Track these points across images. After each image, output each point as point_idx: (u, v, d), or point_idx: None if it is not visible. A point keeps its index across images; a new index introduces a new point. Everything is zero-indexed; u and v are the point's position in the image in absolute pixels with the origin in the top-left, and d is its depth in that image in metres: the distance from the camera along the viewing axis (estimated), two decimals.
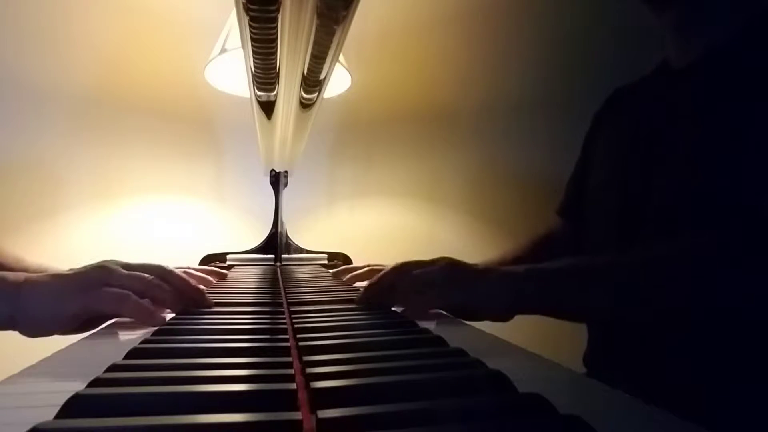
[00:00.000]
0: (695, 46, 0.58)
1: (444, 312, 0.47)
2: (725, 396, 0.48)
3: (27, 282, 0.40)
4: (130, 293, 0.40)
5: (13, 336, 0.40)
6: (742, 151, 0.48)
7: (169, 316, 0.43)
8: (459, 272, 0.47)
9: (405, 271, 0.48)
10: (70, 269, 0.43)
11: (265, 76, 0.52)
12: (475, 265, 0.50)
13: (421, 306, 0.46)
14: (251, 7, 0.39)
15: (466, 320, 0.45)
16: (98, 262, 0.43)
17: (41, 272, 0.44)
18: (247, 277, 0.75)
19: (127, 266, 0.44)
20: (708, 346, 0.50)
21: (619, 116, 0.71)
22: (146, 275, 0.43)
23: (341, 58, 0.93)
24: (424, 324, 0.38)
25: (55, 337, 0.40)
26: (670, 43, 0.63)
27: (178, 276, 0.45)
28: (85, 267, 0.42)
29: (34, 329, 0.40)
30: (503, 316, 0.48)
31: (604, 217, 0.66)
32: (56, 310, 0.39)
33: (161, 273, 0.44)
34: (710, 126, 0.53)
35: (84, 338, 0.38)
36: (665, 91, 0.61)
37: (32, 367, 0.29)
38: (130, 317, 0.40)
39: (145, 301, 0.41)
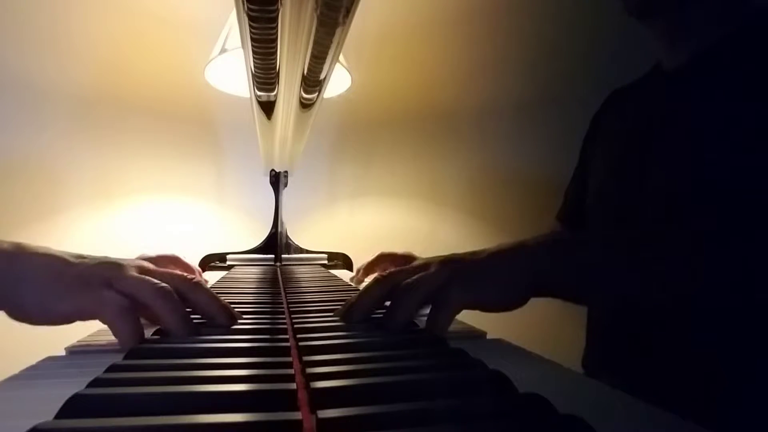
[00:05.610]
0: (683, 50, 0.60)
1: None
2: (723, 398, 0.48)
3: (21, 256, 0.34)
4: (130, 307, 0.33)
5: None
6: (735, 148, 0.49)
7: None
8: (462, 269, 0.41)
9: (394, 281, 0.40)
10: (78, 256, 0.36)
11: (265, 76, 0.52)
12: (471, 254, 0.43)
13: (441, 322, 0.37)
14: (251, 7, 0.39)
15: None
16: (111, 260, 0.37)
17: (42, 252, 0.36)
18: (247, 277, 0.75)
19: (146, 270, 0.37)
20: (706, 349, 0.50)
21: (616, 117, 0.72)
22: (158, 283, 0.35)
23: (341, 58, 0.93)
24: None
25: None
26: (660, 48, 0.64)
27: (205, 292, 0.37)
28: (93, 260, 0.36)
29: (19, 317, 0.34)
30: (517, 305, 0.42)
31: (603, 220, 0.66)
32: (46, 304, 0.33)
33: (185, 286, 0.37)
34: (700, 125, 0.54)
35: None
36: (658, 93, 0.63)
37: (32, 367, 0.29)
38: (120, 332, 0.33)
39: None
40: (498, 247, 0.43)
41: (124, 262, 0.37)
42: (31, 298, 0.33)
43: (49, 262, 0.35)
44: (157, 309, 0.34)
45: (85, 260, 0.36)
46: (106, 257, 0.38)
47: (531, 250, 0.43)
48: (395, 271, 0.41)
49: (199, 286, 0.38)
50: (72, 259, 0.36)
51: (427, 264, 0.41)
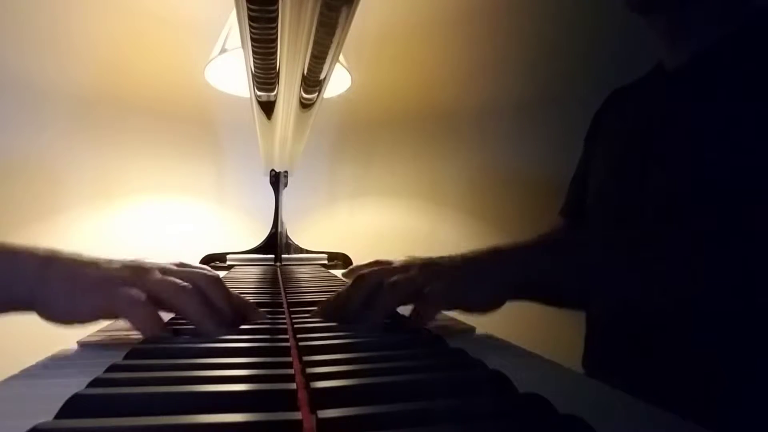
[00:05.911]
0: (683, 50, 0.60)
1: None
2: (723, 398, 0.48)
3: (54, 261, 0.36)
4: (145, 300, 0.35)
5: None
6: (735, 148, 0.49)
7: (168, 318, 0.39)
8: (443, 271, 0.42)
9: (375, 282, 0.40)
10: (107, 261, 0.38)
11: (265, 76, 0.52)
12: (449, 257, 0.44)
13: (422, 321, 0.39)
14: (251, 7, 0.39)
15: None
16: (135, 263, 0.38)
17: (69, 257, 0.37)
18: (247, 277, 0.75)
19: (168, 270, 0.38)
20: (706, 349, 0.50)
21: (617, 117, 0.72)
22: (180, 282, 0.36)
23: (341, 58, 0.93)
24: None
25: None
26: (662, 47, 0.64)
27: (223, 291, 0.38)
28: (118, 263, 0.37)
29: (48, 317, 0.35)
30: (497, 307, 0.42)
31: (605, 216, 0.66)
32: (68, 306, 0.35)
33: (204, 282, 0.38)
34: (700, 124, 0.54)
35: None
36: (659, 92, 0.63)
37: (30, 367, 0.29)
38: (136, 327, 0.34)
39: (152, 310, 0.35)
40: (481, 251, 0.44)
41: (147, 265, 0.38)
42: (57, 301, 0.35)
43: (74, 266, 0.36)
44: (182, 306, 0.35)
45: (111, 264, 0.37)
46: (135, 260, 0.39)
47: (527, 252, 0.44)
48: (376, 272, 0.42)
49: (218, 284, 0.38)
50: (97, 262, 0.37)
51: (407, 266, 0.42)
